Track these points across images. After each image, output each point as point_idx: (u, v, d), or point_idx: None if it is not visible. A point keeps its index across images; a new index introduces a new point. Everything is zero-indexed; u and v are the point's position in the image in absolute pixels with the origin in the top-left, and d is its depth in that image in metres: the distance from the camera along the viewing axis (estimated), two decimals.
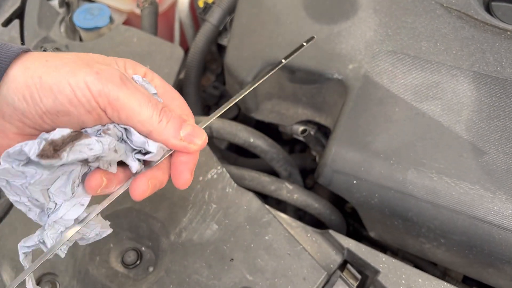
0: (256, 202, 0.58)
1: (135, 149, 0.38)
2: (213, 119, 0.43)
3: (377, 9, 0.64)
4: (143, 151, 0.38)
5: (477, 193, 0.52)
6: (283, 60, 0.40)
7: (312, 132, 0.70)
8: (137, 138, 0.37)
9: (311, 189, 0.86)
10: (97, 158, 0.35)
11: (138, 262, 0.56)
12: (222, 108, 0.44)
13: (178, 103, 0.42)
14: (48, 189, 0.35)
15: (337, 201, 0.72)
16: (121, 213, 0.58)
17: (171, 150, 0.39)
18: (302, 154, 0.86)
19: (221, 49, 0.92)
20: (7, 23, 0.81)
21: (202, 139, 0.39)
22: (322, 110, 0.68)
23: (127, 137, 0.37)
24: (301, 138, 0.71)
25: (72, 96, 0.34)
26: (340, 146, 0.58)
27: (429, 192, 0.53)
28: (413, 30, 0.62)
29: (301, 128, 0.69)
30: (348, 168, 0.57)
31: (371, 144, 0.57)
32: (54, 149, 0.31)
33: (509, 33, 0.59)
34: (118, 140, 0.37)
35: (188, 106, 0.43)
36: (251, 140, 0.68)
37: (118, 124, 0.37)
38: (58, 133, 0.32)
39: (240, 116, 0.93)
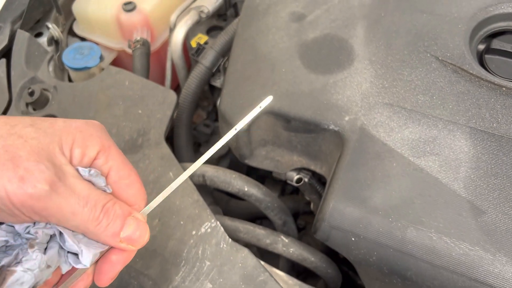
0: (251, 259, 0.56)
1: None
2: (197, 166, 0.40)
3: (373, 60, 0.64)
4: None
5: (477, 255, 0.51)
6: (235, 128, 0.38)
7: (306, 179, 0.69)
8: (70, 245, 0.33)
9: (303, 229, 0.85)
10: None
11: None
12: (205, 156, 0.40)
13: (133, 191, 0.37)
14: None
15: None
16: None
17: (106, 247, 0.35)
18: (295, 196, 0.85)
19: (213, 88, 0.91)
20: None
21: (144, 238, 0.35)
22: (317, 158, 0.67)
23: (60, 239, 0.34)
24: (295, 186, 0.70)
25: None
26: (338, 201, 0.57)
27: (429, 252, 0.53)
28: (409, 83, 0.62)
29: (296, 177, 0.68)
30: (346, 224, 0.56)
31: (369, 200, 0.56)
32: None
33: (504, 89, 0.59)
34: (49, 241, 0.33)
35: (143, 189, 0.38)
36: (246, 189, 0.66)
37: (49, 224, 0.33)
38: None
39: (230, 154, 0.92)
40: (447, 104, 0.59)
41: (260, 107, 0.41)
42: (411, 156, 0.57)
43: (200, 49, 0.83)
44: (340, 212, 0.56)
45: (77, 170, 0.33)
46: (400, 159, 0.57)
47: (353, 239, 0.56)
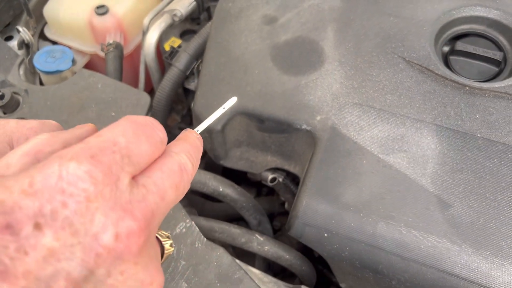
0: (226, 257, 0.56)
1: None
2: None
3: (342, 61, 0.66)
4: None
5: (444, 247, 0.53)
6: (198, 129, 0.39)
7: (280, 179, 0.70)
8: None
9: (279, 231, 0.85)
10: None
11: None
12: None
13: None
14: None
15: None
16: None
17: None
18: (270, 198, 0.86)
19: (187, 91, 0.92)
20: None
21: None
22: (291, 158, 0.69)
23: None
24: (270, 185, 0.71)
25: None
26: (310, 198, 0.58)
27: (399, 245, 0.54)
28: (378, 83, 0.64)
29: (270, 176, 0.69)
30: (319, 221, 0.57)
31: (341, 197, 0.57)
32: None
33: (467, 88, 0.61)
34: None
35: None
36: (220, 189, 0.67)
37: None
38: None
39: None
40: (414, 103, 0.62)
41: (224, 108, 0.41)
42: (380, 154, 0.59)
43: (173, 52, 0.84)
44: (313, 209, 0.57)
45: None
46: (370, 157, 0.59)
47: (326, 235, 0.57)
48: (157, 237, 0.32)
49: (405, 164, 0.58)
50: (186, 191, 0.30)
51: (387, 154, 0.59)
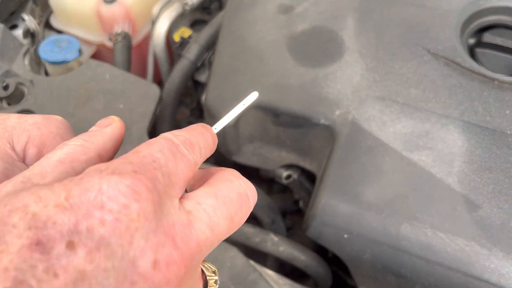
0: (240, 258, 0.54)
1: None
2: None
3: (363, 53, 0.63)
4: None
5: (473, 250, 0.50)
6: (216, 127, 0.36)
7: (295, 176, 0.67)
8: None
9: (291, 229, 0.83)
10: None
11: None
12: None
13: None
14: None
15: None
16: None
17: None
18: (283, 195, 0.82)
19: (196, 84, 0.89)
20: None
21: None
22: (307, 154, 0.66)
23: None
24: (284, 183, 0.68)
25: None
26: (329, 197, 0.55)
27: (424, 248, 0.51)
28: (401, 76, 0.60)
29: (285, 173, 0.66)
30: (339, 221, 0.54)
31: (362, 195, 0.54)
32: None
33: (496, 82, 0.58)
34: None
35: None
36: None
37: None
38: None
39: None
40: (440, 98, 0.58)
41: (244, 104, 0.38)
42: (404, 151, 0.56)
43: (183, 43, 0.80)
44: (332, 208, 0.54)
45: None
46: (393, 154, 0.56)
47: (345, 236, 0.54)
48: (202, 270, 0.29)
49: (430, 162, 0.55)
50: (243, 222, 0.27)
51: (411, 151, 0.56)
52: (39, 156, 0.29)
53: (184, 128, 0.29)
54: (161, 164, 0.23)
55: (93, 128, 0.28)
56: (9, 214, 0.19)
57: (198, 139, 0.28)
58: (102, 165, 0.22)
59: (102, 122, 0.28)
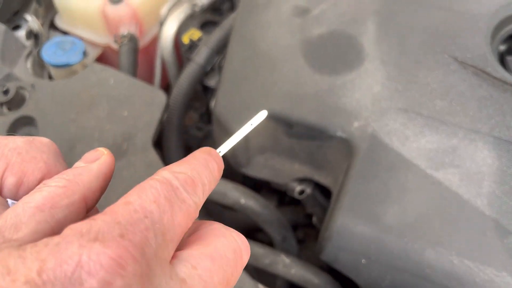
0: (249, 283, 0.50)
1: None
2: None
3: (385, 60, 0.58)
4: None
5: (504, 281, 0.45)
6: (220, 150, 0.32)
7: (309, 191, 0.63)
8: None
9: (302, 242, 0.78)
10: None
11: None
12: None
13: None
14: None
15: None
16: None
17: None
18: (294, 208, 0.78)
19: (206, 88, 0.85)
20: None
21: None
22: (322, 168, 0.61)
23: None
24: (297, 198, 0.64)
25: None
26: (346, 218, 0.51)
27: (449, 277, 0.47)
28: (426, 86, 0.56)
29: (298, 188, 0.62)
30: (356, 245, 0.50)
31: (382, 217, 0.50)
32: None
33: None
34: None
35: None
36: (242, 201, 0.60)
37: None
38: None
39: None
40: (468, 111, 0.54)
41: (252, 124, 0.35)
42: (428, 168, 0.51)
43: (193, 46, 0.77)
44: (349, 230, 0.50)
45: (7, 202, 0.25)
46: (416, 171, 0.51)
47: (363, 261, 0.50)
48: None
49: (457, 181, 0.50)
50: (236, 281, 0.23)
51: (436, 169, 0.51)
52: (18, 185, 0.26)
53: (185, 159, 0.26)
54: (155, 220, 0.20)
55: (78, 164, 0.25)
56: None
57: (202, 173, 0.24)
58: (84, 226, 0.18)
59: (88, 156, 0.25)
